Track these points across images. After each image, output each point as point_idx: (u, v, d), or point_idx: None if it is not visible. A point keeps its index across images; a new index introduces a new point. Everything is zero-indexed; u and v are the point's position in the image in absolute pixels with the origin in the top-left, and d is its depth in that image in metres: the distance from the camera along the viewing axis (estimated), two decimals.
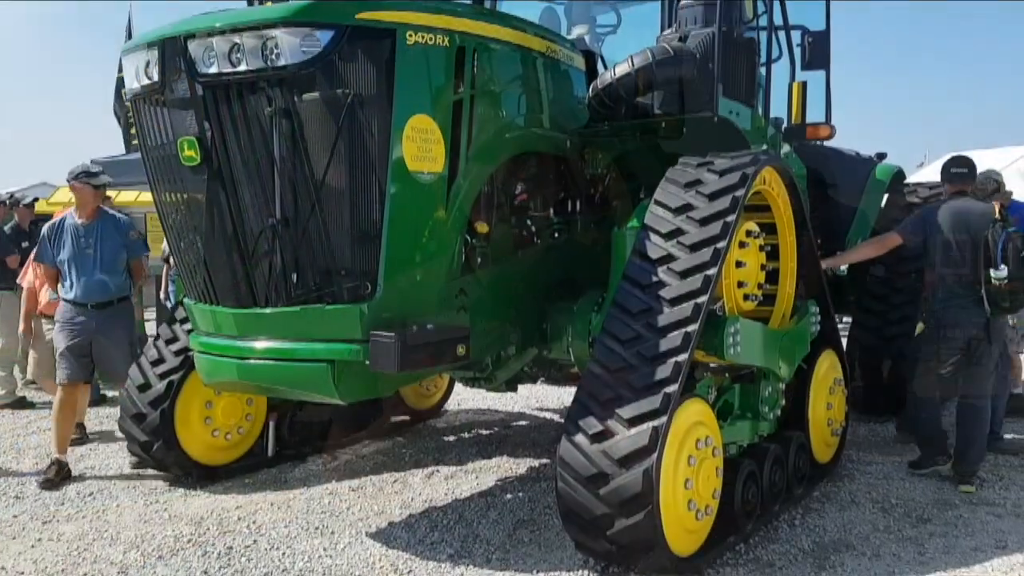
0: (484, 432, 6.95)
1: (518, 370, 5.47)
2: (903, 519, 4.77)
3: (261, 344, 4.16)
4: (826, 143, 6.87)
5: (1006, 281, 5.21)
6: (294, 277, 4.12)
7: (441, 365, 4.25)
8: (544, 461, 5.99)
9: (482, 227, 4.81)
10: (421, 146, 4.12)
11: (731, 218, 4.26)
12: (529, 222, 5.37)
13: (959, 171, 5.83)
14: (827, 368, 5.46)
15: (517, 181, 5.33)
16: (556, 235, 5.48)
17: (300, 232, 4.05)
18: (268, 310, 4.13)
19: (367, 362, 3.97)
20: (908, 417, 5.78)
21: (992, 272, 5.22)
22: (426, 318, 4.21)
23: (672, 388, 3.81)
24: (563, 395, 8.27)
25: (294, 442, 6.21)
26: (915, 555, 4.25)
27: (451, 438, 6.76)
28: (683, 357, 3.88)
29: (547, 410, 7.78)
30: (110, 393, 8.29)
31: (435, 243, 4.30)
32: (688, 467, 3.89)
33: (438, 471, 5.80)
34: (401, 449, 6.44)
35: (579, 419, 3.91)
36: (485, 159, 4.66)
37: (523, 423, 7.31)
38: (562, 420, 7.26)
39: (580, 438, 3.86)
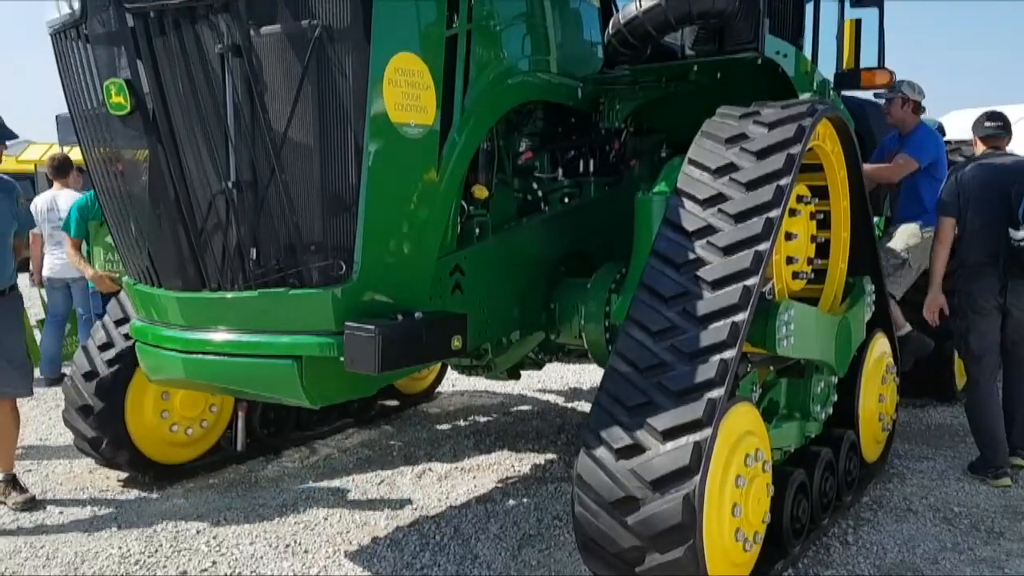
0: (481, 420, 6.23)
1: (521, 357, 4.74)
2: (971, 533, 4.09)
3: (213, 336, 3.42)
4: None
5: (1020, 243, 4.76)
6: (252, 255, 3.36)
7: (431, 361, 3.52)
8: (549, 456, 5.29)
9: (480, 192, 4.04)
10: (407, 92, 3.34)
11: (785, 181, 3.51)
12: (535, 185, 4.62)
13: (994, 125, 5.26)
14: (879, 355, 4.74)
15: (520, 136, 4.56)
16: (566, 200, 4.73)
17: (258, 199, 3.29)
18: (221, 295, 3.37)
19: (341, 359, 3.24)
20: (967, 409, 5.13)
21: (1011, 232, 4.78)
22: (413, 304, 3.47)
23: (717, 392, 3.08)
24: (568, 375, 7.57)
25: (267, 435, 5.49)
26: None
27: (445, 427, 6.04)
28: (730, 354, 3.15)
29: (551, 392, 7.06)
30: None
31: (424, 212, 3.54)
32: (736, 489, 3.18)
33: (430, 470, 5.09)
34: (389, 441, 5.72)
35: (601, 429, 3.19)
36: (484, 109, 3.89)
37: (524, 408, 6.59)
38: (567, 404, 6.57)
39: (603, 453, 3.14)
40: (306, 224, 3.27)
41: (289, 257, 3.32)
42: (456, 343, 3.40)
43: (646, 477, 3.03)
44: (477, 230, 4.05)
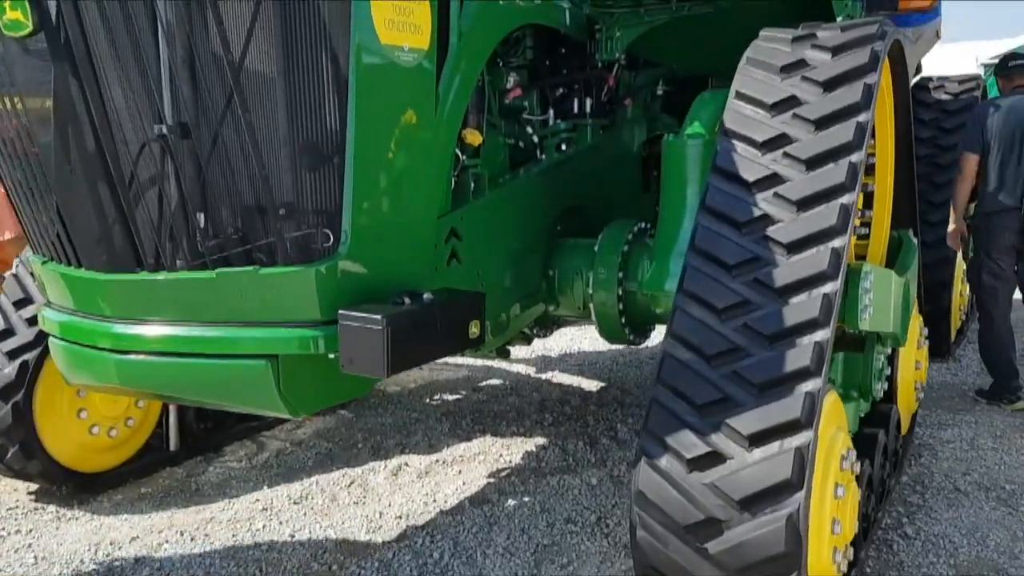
0: (450, 398, 5.53)
1: (516, 333, 4.05)
2: None
3: (155, 330, 2.62)
4: None
5: None
6: (200, 221, 2.57)
7: (447, 355, 2.80)
8: (539, 441, 4.64)
9: (473, 137, 3.30)
10: (399, 7, 2.58)
11: (865, 117, 2.88)
12: (529, 129, 3.89)
13: (1018, 64, 5.28)
14: (916, 317, 4.23)
15: (508, 70, 3.82)
16: (562, 146, 4.02)
17: (208, 147, 2.49)
18: (163, 276, 2.57)
19: (332, 356, 2.49)
20: (981, 344, 5.33)
21: None
22: (414, 281, 2.74)
23: (814, 384, 2.47)
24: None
25: (204, 430, 4.67)
26: None
27: (411, 409, 5.30)
28: (824, 335, 2.53)
29: (519, 361, 6.35)
30: None
31: (422, 160, 2.80)
32: (835, 501, 2.60)
33: (406, 464, 4.38)
34: (349, 429, 4.97)
35: (665, 433, 2.54)
36: (481, 33, 3.18)
37: (495, 382, 5.90)
38: (541, 376, 5.92)
39: (671, 464, 2.50)
40: (275, 179, 2.48)
41: (253, 225, 2.53)
42: (474, 330, 2.69)
43: (732, 494, 2.40)
44: (472, 185, 3.33)
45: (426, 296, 2.55)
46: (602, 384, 5.68)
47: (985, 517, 3.64)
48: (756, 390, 2.50)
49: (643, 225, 3.82)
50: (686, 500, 2.46)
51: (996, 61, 6.20)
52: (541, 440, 4.63)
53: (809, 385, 2.47)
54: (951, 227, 5.29)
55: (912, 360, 4.17)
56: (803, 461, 2.37)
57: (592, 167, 4.16)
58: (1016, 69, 5.29)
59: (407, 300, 2.50)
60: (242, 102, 2.38)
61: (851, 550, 2.78)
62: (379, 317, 2.30)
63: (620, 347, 6.54)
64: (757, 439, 2.43)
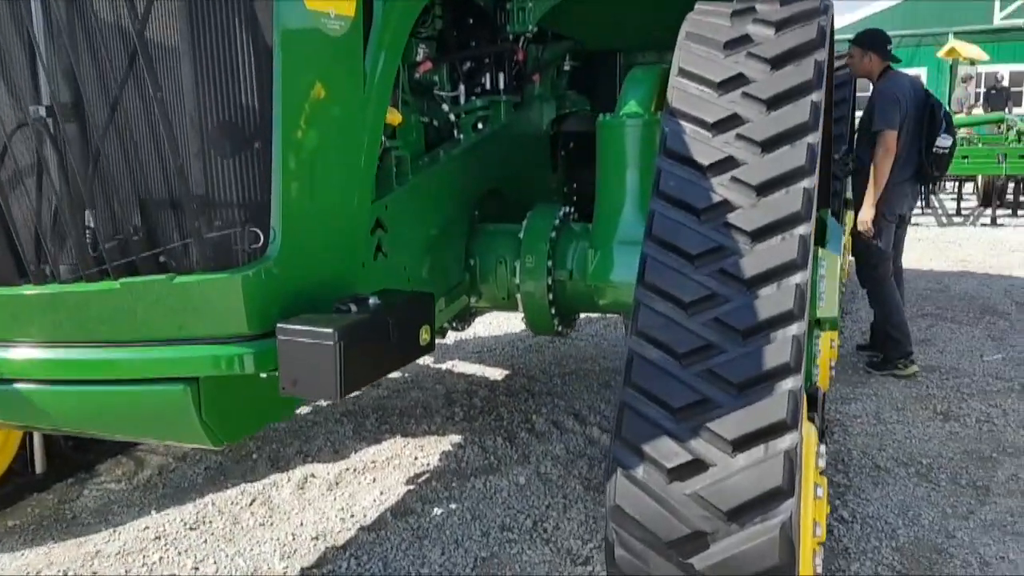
0: (348, 395, 5.14)
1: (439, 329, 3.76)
2: (957, 491, 3.71)
3: (44, 353, 2.17)
4: None
5: (946, 150, 5.39)
6: (89, 220, 2.14)
7: (398, 367, 2.47)
8: (454, 439, 4.37)
9: (393, 116, 2.95)
10: None
11: (819, 97, 2.75)
12: (445, 107, 3.58)
13: (890, 45, 5.55)
14: None
15: (417, 42, 3.49)
16: (479, 125, 3.74)
17: (103, 130, 2.08)
18: (52, 289, 2.12)
19: (263, 376, 2.14)
20: (875, 307, 5.58)
21: (939, 141, 5.31)
22: (348, 282, 2.42)
23: (795, 381, 2.32)
24: None
25: (74, 448, 4.12)
26: None
27: (307, 411, 4.89)
28: (800, 327, 2.39)
29: None
30: None
31: (354, 145, 2.46)
32: (816, 503, 2.48)
33: (312, 475, 4.01)
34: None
35: (640, 440, 2.33)
36: (403, 3, 2.83)
37: (395, 375, 5.55)
38: (440, 366, 5.64)
39: (647, 473, 2.30)
40: (190, 168, 2.09)
41: (160, 223, 2.13)
42: (425, 335, 2.38)
43: (719, 505, 2.22)
44: (395, 169, 3.00)
45: (372, 301, 2.22)
46: (506, 372, 5.46)
47: (911, 494, 3.68)
48: (735, 390, 2.32)
49: (568, 209, 3.61)
50: (668, 513, 2.26)
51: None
52: (456, 438, 4.36)
53: (790, 383, 2.31)
54: (869, 210, 5.25)
55: (829, 340, 4.17)
56: (792, 465, 2.22)
57: (507, 147, 3.91)
58: (890, 49, 5.52)
59: (353, 307, 2.16)
60: (148, 76, 1.97)
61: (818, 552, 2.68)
62: (330, 331, 1.96)
63: (517, 331, 6.38)
64: (741, 444, 2.26)
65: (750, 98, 2.77)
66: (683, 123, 2.77)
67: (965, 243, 10.15)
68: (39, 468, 3.95)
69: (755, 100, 2.76)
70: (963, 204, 13.07)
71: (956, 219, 12.31)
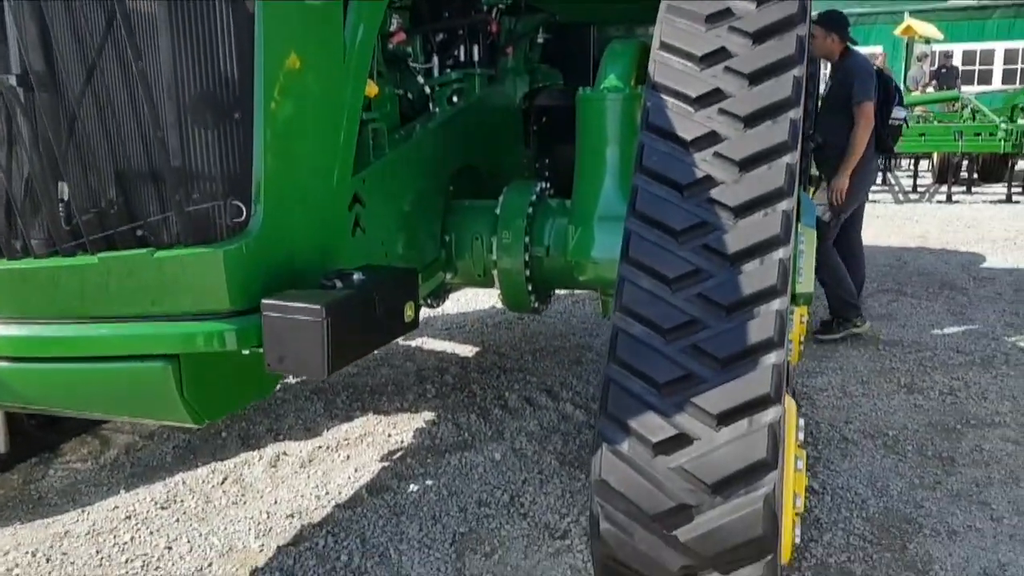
0: None
1: None
2: (924, 462, 3.79)
3: (17, 330, 2.10)
4: None
5: (901, 122, 5.78)
6: (63, 193, 2.07)
7: (383, 344, 2.44)
8: (427, 416, 4.36)
9: (369, 88, 2.91)
10: None
11: (800, 71, 2.76)
12: (419, 79, 3.53)
13: (849, 27, 5.69)
14: None
15: (390, 12, 3.42)
16: (453, 99, 3.69)
17: (78, 99, 2.00)
18: (27, 264, 2.06)
19: (245, 352, 2.10)
20: (823, 272, 5.62)
21: (894, 113, 5.60)
22: (332, 257, 2.38)
23: (778, 356, 2.34)
24: None
25: (39, 427, 4.03)
26: (992, 525, 3.26)
27: (276, 389, 4.81)
28: (783, 302, 2.41)
29: None
30: None
31: (335, 116, 2.42)
32: (796, 475, 2.51)
33: (284, 453, 3.97)
34: None
35: (625, 415, 2.34)
36: None
37: None
38: (407, 343, 5.60)
39: (633, 448, 2.31)
40: (170, 139, 2.03)
41: (139, 196, 2.07)
42: (409, 312, 2.35)
43: (703, 478, 2.24)
44: (371, 143, 2.95)
45: (357, 277, 2.18)
46: (477, 348, 5.44)
47: (879, 465, 3.75)
48: (719, 365, 2.34)
49: (544, 185, 3.59)
50: (653, 486, 2.28)
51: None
52: (429, 415, 4.34)
53: (773, 357, 2.33)
54: (843, 179, 5.40)
55: (800, 316, 4.21)
56: (776, 438, 2.25)
57: (481, 122, 3.86)
58: (848, 30, 5.66)
59: (338, 283, 2.13)
60: (130, 38, 1.90)
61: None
62: (318, 307, 1.93)
63: (486, 308, 6.36)
64: (725, 418, 2.28)
65: (732, 72, 2.77)
66: (666, 97, 2.77)
67: (922, 219, 10.32)
68: (2, 448, 3.85)
69: (737, 75, 2.76)
70: (919, 181, 13.29)
71: (912, 196, 12.51)
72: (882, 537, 3.18)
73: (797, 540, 2.60)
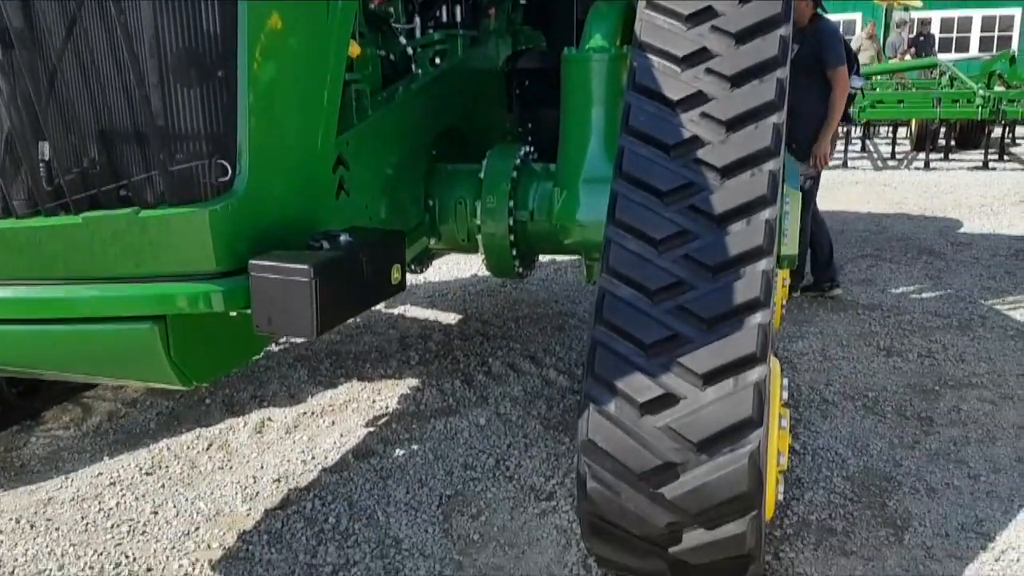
0: (300, 340, 5.08)
1: None
2: (903, 422, 3.84)
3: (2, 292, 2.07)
4: None
5: (858, 91, 6.13)
6: (44, 153, 2.04)
7: (370, 306, 2.43)
8: (411, 383, 4.36)
9: (352, 48, 2.87)
10: None
11: (787, 30, 2.77)
12: (402, 40, 3.48)
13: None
14: None
15: None
16: (436, 60, 3.65)
17: (55, 55, 1.97)
18: (7, 223, 2.03)
19: (233, 314, 2.08)
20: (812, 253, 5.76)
21: (852, 81, 5.51)
22: (317, 218, 2.36)
23: (764, 315, 2.36)
24: None
25: (19, 395, 4.00)
26: (970, 483, 3.32)
27: (259, 356, 4.80)
28: (770, 262, 2.43)
29: None
30: None
31: (315, 75, 2.38)
32: (780, 433, 2.54)
33: (269, 419, 3.97)
34: None
35: (612, 376, 2.36)
36: None
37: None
38: (390, 310, 5.60)
39: (620, 408, 2.33)
40: (153, 96, 1.99)
41: (121, 155, 2.04)
42: (396, 275, 2.34)
43: (689, 436, 2.27)
44: (354, 104, 2.91)
45: (344, 238, 2.17)
46: (460, 316, 5.44)
47: (859, 426, 3.80)
48: (705, 325, 2.36)
49: (528, 149, 3.57)
50: (639, 445, 2.31)
51: None
52: (413, 381, 4.34)
53: (759, 317, 2.36)
54: (825, 144, 5.39)
55: (781, 279, 4.24)
56: (761, 397, 2.27)
57: (464, 85, 3.83)
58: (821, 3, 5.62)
59: (325, 244, 2.11)
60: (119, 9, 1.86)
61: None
62: (306, 267, 1.91)
63: (468, 276, 6.35)
64: (711, 377, 2.30)
65: (719, 32, 2.76)
66: (652, 57, 2.76)
67: (900, 186, 10.39)
68: None
69: (724, 34, 2.76)
70: (897, 149, 13.36)
71: (891, 163, 12.58)
72: (862, 495, 3.23)
73: (780, 497, 2.64)
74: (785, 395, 2.65)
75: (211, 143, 2.03)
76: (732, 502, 2.26)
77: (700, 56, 2.73)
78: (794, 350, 4.80)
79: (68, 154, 2.02)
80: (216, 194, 2.04)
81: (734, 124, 2.60)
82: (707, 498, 2.27)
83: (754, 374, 2.29)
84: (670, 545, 2.36)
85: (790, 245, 3.02)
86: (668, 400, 2.31)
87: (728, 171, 2.54)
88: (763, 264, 2.41)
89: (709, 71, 2.69)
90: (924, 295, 5.79)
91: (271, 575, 2.79)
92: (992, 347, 4.74)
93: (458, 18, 3.79)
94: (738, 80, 2.67)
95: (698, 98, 2.66)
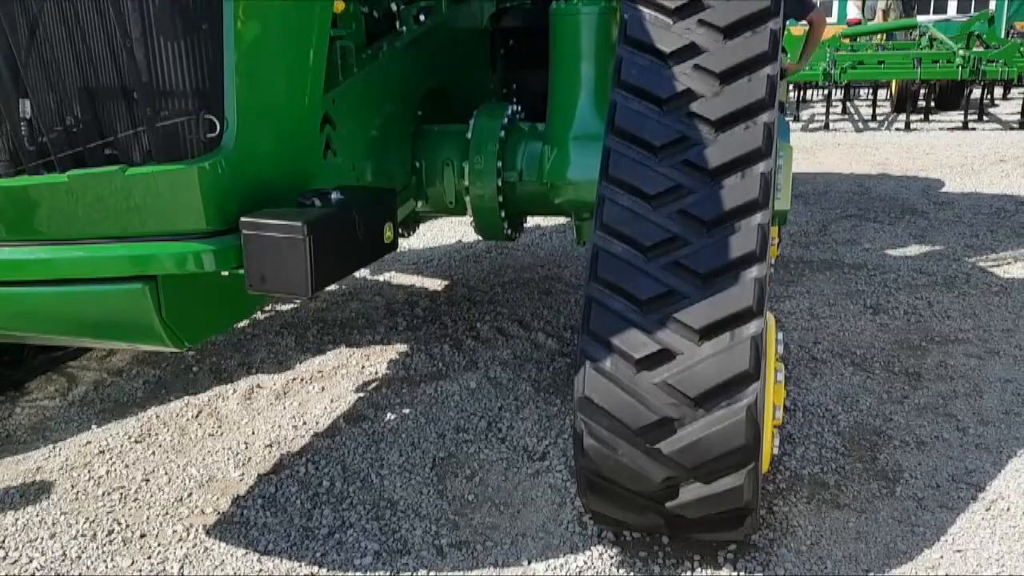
0: (286, 308, 5.03)
1: None
2: (892, 378, 3.86)
3: None
4: None
5: None
6: (26, 110, 1.98)
7: (364, 266, 2.39)
8: (400, 348, 4.34)
9: (337, 4, 2.81)
10: None
11: None
12: None
13: None
14: None
15: None
16: (421, 17, 3.58)
17: (34, 7, 1.90)
18: None
19: (225, 273, 2.05)
20: None
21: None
22: (306, 177, 2.32)
23: (760, 270, 2.35)
24: None
25: (4, 365, 3.94)
26: (958, 435, 3.35)
27: (245, 323, 4.77)
28: (765, 216, 2.42)
29: None
30: None
31: (301, 29, 2.32)
32: (776, 387, 2.54)
33: (258, 385, 3.93)
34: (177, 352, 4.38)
35: (608, 333, 2.34)
36: None
37: (332, 287, 5.39)
38: (376, 277, 5.56)
39: (615, 365, 2.32)
40: (138, 50, 1.94)
41: (108, 112, 1.98)
42: (388, 233, 2.31)
43: (687, 391, 2.26)
44: (340, 61, 2.86)
45: (334, 196, 2.13)
46: (446, 282, 5.41)
47: (848, 383, 3.82)
48: (701, 280, 2.35)
49: (516, 108, 3.52)
50: (636, 401, 2.30)
51: None
52: (402, 347, 4.32)
53: (755, 271, 2.35)
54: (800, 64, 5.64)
55: (771, 235, 4.24)
56: (759, 350, 2.27)
57: (449, 43, 3.76)
58: None
59: (316, 202, 2.07)
60: None
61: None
62: (299, 224, 1.88)
63: (452, 242, 6.32)
64: (708, 332, 2.29)
65: None
66: (643, 9, 2.72)
67: (882, 147, 10.41)
68: None
69: None
70: (878, 110, 13.38)
71: (872, 124, 12.60)
72: (853, 449, 3.25)
73: (776, 451, 2.65)
74: (781, 349, 2.65)
75: (198, 98, 1.98)
76: (730, 455, 2.26)
77: (692, 7, 2.68)
78: (782, 309, 4.81)
79: (51, 111, 1.96)
80: (204, 151, 2.00)
81: (728, 76, 2.57)
82: (704, 452, 2.27)
83: (751, 328, 2.28)
84: (667, 500, 2.37)
85: (783, 200, 3.01)
86: (664, 356, 2.30)
87: (722, 124, 2.51)
88: (759, 218, 2.40)
89: (701, 22, 2.65)
90: (908, 253, 5.81)
91: (267, 538, 2.78)
92: (976, 303, 4.78)
93: None
94: (731, 31, 2.63)
95: (691, 50, 2.62)
